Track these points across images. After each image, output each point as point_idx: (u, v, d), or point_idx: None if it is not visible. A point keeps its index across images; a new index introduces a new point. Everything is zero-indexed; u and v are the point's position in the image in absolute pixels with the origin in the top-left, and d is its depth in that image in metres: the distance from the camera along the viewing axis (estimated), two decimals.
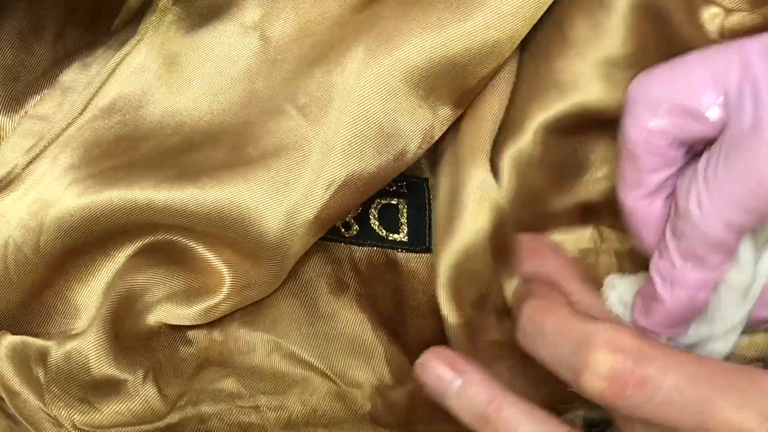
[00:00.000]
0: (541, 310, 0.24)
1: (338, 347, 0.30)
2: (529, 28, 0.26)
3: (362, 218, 0.31)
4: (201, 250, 0.29)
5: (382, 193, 0.31)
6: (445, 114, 0.27)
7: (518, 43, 0.26)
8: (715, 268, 0.23)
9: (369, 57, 0.26)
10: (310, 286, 0.30)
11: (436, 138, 0.28)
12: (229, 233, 0.28)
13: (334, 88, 0.27)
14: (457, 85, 0.27)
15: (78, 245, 0.28)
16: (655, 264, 0.24)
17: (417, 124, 0.27)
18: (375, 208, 0.31)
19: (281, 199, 0.27)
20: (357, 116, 0.27)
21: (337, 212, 0.28)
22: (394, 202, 0.31)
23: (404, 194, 0.31)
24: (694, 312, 0.24)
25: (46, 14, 0.31)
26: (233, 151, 0.28)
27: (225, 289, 0.28)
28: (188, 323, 0.29)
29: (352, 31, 0.27)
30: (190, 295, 0.28)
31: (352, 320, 0.30)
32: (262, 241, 0.27)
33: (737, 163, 0.21)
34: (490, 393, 0.25)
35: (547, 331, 0.24)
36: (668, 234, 0.24)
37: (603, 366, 0.21)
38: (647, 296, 0.25)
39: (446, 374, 0.26)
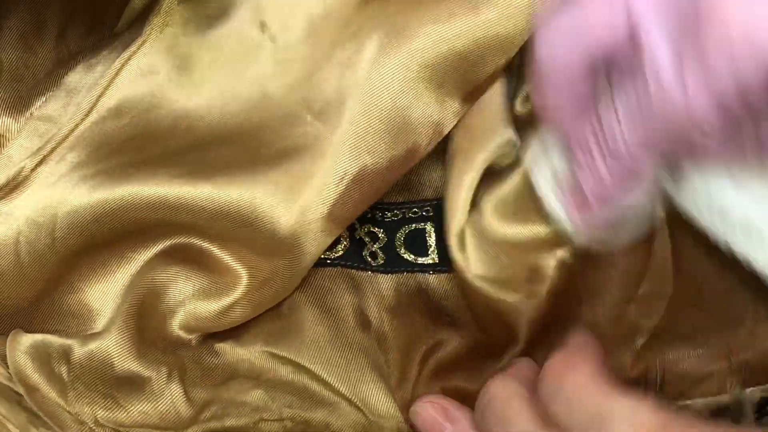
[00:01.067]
0: (564, 363, 0.23)
1: (366, 378, 0.29)
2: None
3: (388, 247, 0.31)
4: (217, 251, 0.29)
5: (408, 219, 0.31)
6: (454, 108, 0.28)
7: (527, 37, 0.26)
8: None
9: (380, 53, 0.27)
10: (337, 313, 0.30)
11: (445, 133, 0.28)
12: (244, 230, 0.28)
13: (347, 88, 0.27)
14: (466, 80, 0.27)
15: (94, 242, 0.28)
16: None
17: (427, 118, 0.27)
18: (401, 236, 0.31)
19: (295, 195, 0.27)
20: (369, 111, 0.27)
21: (351, 208, 0.28)
22: (421, 226, 0.31)
23: (430, 217, 0.31)
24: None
25: (47, 14, 0.31)
26: (246, 152, 0.28)
27: (242, 287, 0.28)
28: (210, 324, 0.28)
29: (361, 29, 0.28)
30: (209, 293, 0.28)
31: (375, 361, 0.29)
32: (276, 237, 0.28)
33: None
34: None
35: (566, 388, 0.22)
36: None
37: None
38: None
39: (438, 422, 0.27)
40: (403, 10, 0.27)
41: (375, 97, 0.27)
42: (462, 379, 0.29)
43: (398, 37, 0.27)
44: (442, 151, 0.30)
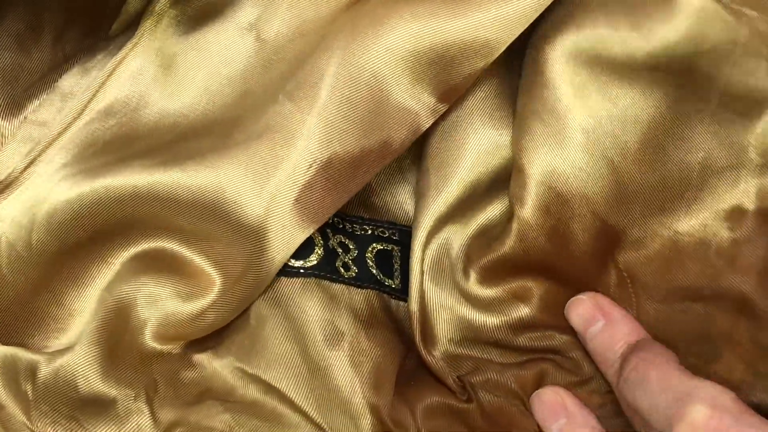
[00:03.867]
0: (648, 361, 0.25)
1: (333, 402, 0.28)
2: (520, 32, 0.26)
3: (360, 260, 0.31)
4: (190, 255, 0.28)
5: (378, 238, 0.31)
6: (430, 105, 0.27)
7: (508, 44, 0.26)
8: None
9: (356, 42, 0.27)
10: (305, 331, 0.29)
11: (422, 130, 0.28)
12: (212, 219, 0.28)
13: (319, 71, 0.27)
14: (442, 79, 0.27)
15: (71, 244, 0.28)
16: None
17: (402, 113, 0.27)
18: (371, 252, 0.31)
19: (263, 180, 0.27)
20: (341, 99, 0.27)
21: (319, 198, 0.27)
22: (388, 248, 0.31)
23: (396, 241, 0.31)
24: None
25: (44, 17, 0.31)
26: (221, 138, 0.28)
27: (217, 288, 0.28)
28: (187, 330, 0.28)
29: (342, 22, 0.28)
30: (184, 297, 0.28)
31: (343, 380, 0.28)
32: (244, 225, 0.27)
33: None
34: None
35: (651, 379, 0.24)
36: None
37: (701, 418, 0.22)
38: None
39: (556, 412, 0.28)
40: (384, 5, 0.27)
41: (348, 84, 0.27)
42: (437, 393, 0.29)
43: (375, 28, 0.26)
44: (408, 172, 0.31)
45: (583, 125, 0.27)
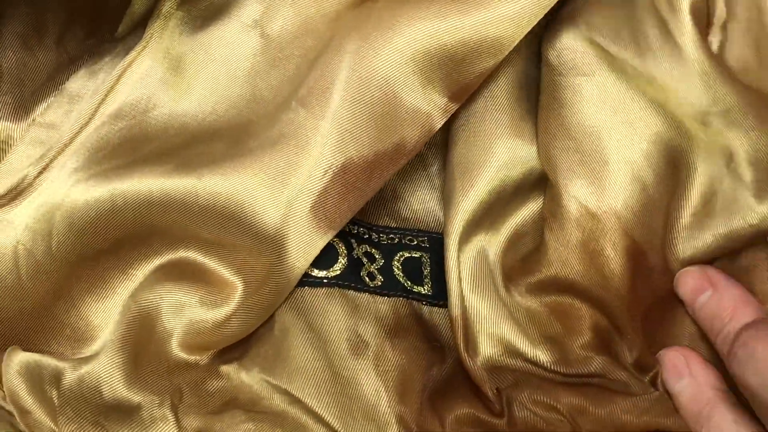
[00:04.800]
0: (755, 337, 0.25)
1: (357, 411, 0.28)
2: (529, 29, 0.26)
3: (386, 269, 0.31)
4: (211, 264, 0.28)
5: (405, 246, 0.31)
6: (442, 105, 0.27)
7: (517, 42, 0.26)
8: None
9: (366, 45, 0.27)
10: (329, 341, 0.29)
11: (435, 130, 0.28)
12: (231, 229, 0.28)
13: (330, 76, 0.27)
14: (453, 79, 0.27)
15: (91, 252, 0.28)
16: None
17: (413, 113, 0.27)
18: (398, 260, 0.31)
19: (279, 187, 0.27)
20: (354, 103, 0.27)
21: (336, 204, 0.28)
22: (416, 255, 0.31)
23: (426, 248, 0.31)
24: None
25: (47, 17, 0.31)
26: (234, 144, 0.28)
27: (239, 295, 0.28)
28: (211, 338, 0.28)
29: (350, 23, 0.28)
30: (207, 305, 0.28)
31: (368, 388, 0.28)
32: (263, 233, 0.28)
33: None
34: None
35: (758, 356, 0.24)
36: None
37: None
38: None
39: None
40: (390, 7, 0.27)
41: (360, 88, 0.27)
42: (468, 405, 0.29)
43: (384, 31, 0.26)
44: (437, 178, 0.31)
45: (614, 144, 0.27)
